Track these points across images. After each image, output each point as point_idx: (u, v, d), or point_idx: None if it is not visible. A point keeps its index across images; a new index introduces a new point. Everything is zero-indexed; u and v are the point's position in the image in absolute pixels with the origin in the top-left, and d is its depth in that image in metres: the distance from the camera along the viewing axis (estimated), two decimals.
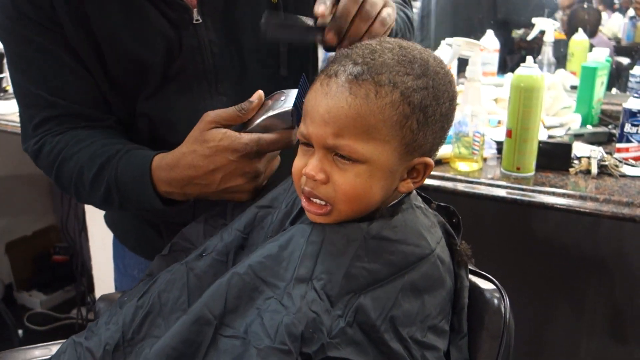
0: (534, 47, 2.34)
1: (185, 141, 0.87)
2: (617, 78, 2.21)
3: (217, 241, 0.85)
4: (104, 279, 2.32)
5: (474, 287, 0.84)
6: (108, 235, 1.25)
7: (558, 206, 1.30)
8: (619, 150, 1.48)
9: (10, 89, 2.33)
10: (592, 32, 2.30)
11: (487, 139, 1.53)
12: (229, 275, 0.74)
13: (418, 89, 0.71)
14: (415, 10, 2.66)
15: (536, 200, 1.33)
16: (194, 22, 0.92)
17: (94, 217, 2.25)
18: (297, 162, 0.77)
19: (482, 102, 1.51)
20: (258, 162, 0.86)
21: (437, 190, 1.40)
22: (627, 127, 1.47)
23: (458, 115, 1.37)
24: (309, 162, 0.74)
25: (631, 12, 2.37)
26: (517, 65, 1.39)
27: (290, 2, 0.98)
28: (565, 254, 1.83)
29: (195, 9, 0.92)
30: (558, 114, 1.78)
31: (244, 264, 0.74)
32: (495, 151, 1.54)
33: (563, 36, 2.35)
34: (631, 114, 1.46)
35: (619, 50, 2.37)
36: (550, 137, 1.63)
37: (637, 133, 1.46)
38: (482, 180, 1.40)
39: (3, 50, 0.96)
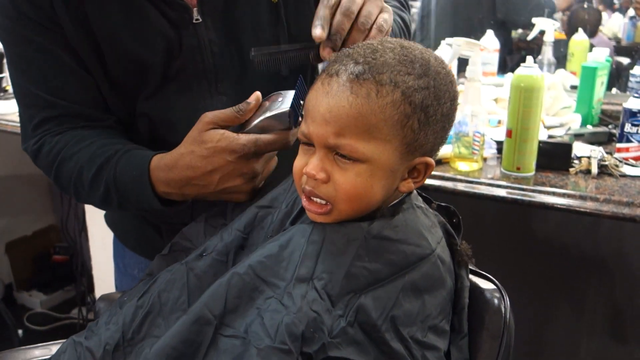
0: (534, 47, 2.34)
1: (184, 142, 0.87)
2: (617, 78, 2.21)
3: (217, 241, 0.85)
4: (104, 278, 2.32)
5: (474, 287, 0.84)
6: (108, 235, 1.25)
7: (558, 206, 1.30)
8: (619, 150, 1.48)
9: (10, 89, 2.32)
10: (592, 32, 2.31)
11: (487, 138, 1.53)
12: (229, 275, 0.74)
13: (419, 88, 0.71)
14: (415, 10, 2.67)
15: (536, 200, 1.33)
16: (194, 21, 0.92)
17: (94, 217, 2.25)
18: (298, 162, 0.77)
19: (482, 102, 1.51)
20: (256, 162, 0.86)
21: (437, 190, 1.40)
22: (627, 127, 1.47)
23: (458, 115, 1.36)
24: (310, 161, 0.74)
25: (631, 12, 2.37)
26: (517, 65, 1.39)
27: (291, 2, 0.98)
28: (565, 254, 1.83)
29: (195, 9, 0.92)
30: (558, 113, 1.78)
31: (244, 264, 0.74)
32: (495, 151, 1.54)
33: (563, 36, 2.35)
34: (631, 114, 1.46)
35: (619, 50, 2.38)
36: (550, 137, 1.63)
37: (637, 133, 1.46)
38: (482, 180, 1.40)
39: (3, 50, 0.96)
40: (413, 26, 2.67)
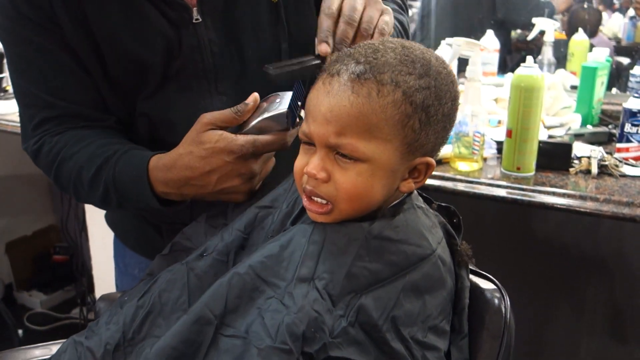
0: (534, 48, 2.34)
1: (182, 142, 0.87)
2: (617, 78, 2.21)
3: (217, 241, 0.85)
4: (104, 278, 2.32)
5: (475, 287, 0.84)
6: (108, 235, 1.25)
7: (558, 206, 1.30)
8: (619, 150, 1.48)
9: (10, 89, 2.32)
10: (592, 32, 2.31)
11: (487, 138, 1.53)
12: (229, 275, 0.74)
13: (420, 88, 0.71)
14: (415, 10, 2.67)
15: (536, 200, 1.33)
16: (194, 21, 0.92)
17: (94, 217, 2.25)
18: (299, 161, 0.77)
19: (482, 102, 1.51)
20: (254, 163, 0.86)
21: (437, 190, 1.40)
22: (627, 127, 1.47)
23: (458, 115, 1.35)
24: (311, 160, 0.74)
25: (631, 12, 2.37)
26: (517, 65, 1.39)
27: (291, 1, 0.98)
28: (565, 254, 1.83)
29: (195, 8, 0.92)
30: (558, 113, 1.78)
31: (245, 264, 0.74)
32: (495, 151, 1.54)
33: (563, 36, 2.35)
34: (631, 114, 1.46)
35: (619, 50, 2.38)
36: (550, 137, 1.64)
37: (637, 133, 1.46)
38: (482, 180, 1.40)
39: (3, 51, 0.96)
40: (413, 26, 2.67)
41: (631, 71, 1.97)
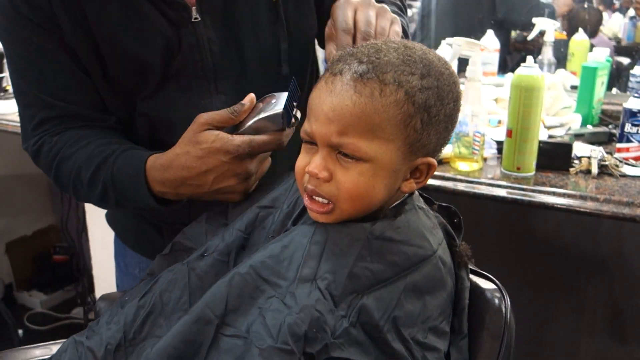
0: (534, 48, 2.34)
1: (179, 142, 0.88)
2: (618, 78, 2.21)
3: (218, 241, 0.85)
4: (104, 278, 2.32)
5: (475, 286, 0.84)
6: (108, 235, 1.25)
7: (558, 206, 1.30)
8: (619, 150, 1.48)
9: (10, 89, 2.32)
10: (592, 32, 2.31)
11: (488, 138, 1.53)
12: (230, 275, 0.74)
13: (423, 88, 0.72)
14: (415, 10, 2.67)
15: (536, 200, 1.33)
16: (193, 20, 0.92)
17: (94, 217, 2.25)
18: (300, 160, 0.77)
19: (482, 102, 1.51)
20: (250, 163, 0.87)
21: (438, 190, 1.40)
22: (628, 127, 1.47)
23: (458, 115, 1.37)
24: (312, 160, 0.74)
25: (631, 12, 2.37)
26: (518, 65, 1.39)
27: (290, 1, 0.98)
28: (565, 254, 1.83)
29: (194, 7, 0.92)
30: (558, 113, 1.78)
31: (246, 264, 0.74)
32: (495, 151, 1.54)
33: (563, 36, 2.35)
34: (631, 114, 1.46)
35: (619, 50, 2.38)
36: (550, 137, 1.63)
37: (637, 133, 1.46)
38: (483, 180, 1.40)
39: (3, 50, 0.96)
40: (413, 26, 2.68)
41: (631, 71, 1.96)
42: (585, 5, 2.45)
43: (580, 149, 1.53)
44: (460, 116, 1.40)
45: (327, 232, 0.74)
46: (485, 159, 1.51)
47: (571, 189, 1.33)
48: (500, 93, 1.88)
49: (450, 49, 1.72)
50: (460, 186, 1.40)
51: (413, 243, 0.75)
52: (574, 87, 1.93)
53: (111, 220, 1.21)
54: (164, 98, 0.95)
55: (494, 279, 0.86)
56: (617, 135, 1.51)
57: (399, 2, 1.10)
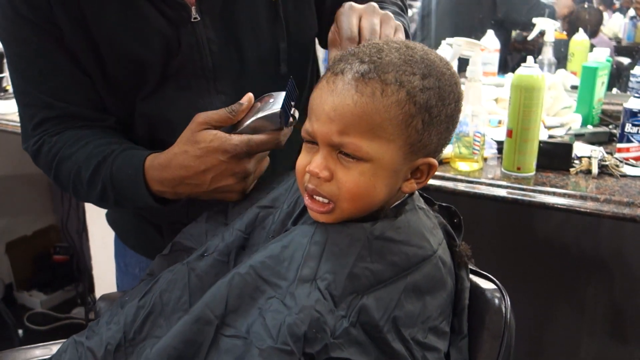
0: (534, 48, 2.34)
1: (177, 142, 0.88)
2: (618, 78, 2.21)
3: (218, 241, 0.85)
4: (104, 278, 2.32)
5: (475, 286, 0.84)
6: (108, 235, 1.25)
7: (558, 206, 1.30)
8: (620, 150, 1.48)
9: (10, 89, 2.32)
10: (592, 32, 2.30)
11: (488, 138, 1.53)
12: (230, 275, 0.74)
13: (424, 88, 0.72)
14: (415, 10, 2.67)
15: (537, 200, 1.33)
16: (192, 20, 0.92)
17: (94, 217, 2.25)
18: (301, 160, 0.77)
19: (482, 102, 1.51)
20: (247, 162, 0.87)
21: (438, 190, 1.40)
22: (628, 127, 1.47)
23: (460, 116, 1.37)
24: (313, 159, 0.74)
25: (632, 12, 2.37)
26: (518, 65, 1.39)
27: (290, 0, 0.98)
28: (565, 254, 1.83)
29: (193, 7, 0.92)
30: (558, 114, 1.78)
31: (246, 264, 0.74)
32: (495, 151, 1.54)
33: (564, 36, 2.35)
34: (632, 114, 1.46)
35: (619, 50, 2.37)
36: (550, 137, 1.63)
37: (637, 133, 1.46)
38: (483, 180, 1.40)
39: (3, 50, 0.96)
40: (413, 26, 2.68)
41: (631, 71, 1.96)
42: (586, 5, 2.45)
43: (580, 149, 1.53)
44: (461, 116, 1.40)
45: (327, 232, 0.73)
46: (485, 159, 1.51)
47: (571, 189, 1.33)
48: (500, 93, 1.88)
49: (450, 49, 1.73)
50: (461, 186, 1.39)
51: (413, 243, 0.75)
52: (574, 87, 1.92)
53: (111, 220, 1.21)
54: (164, 98, 0.95)
55: (494, 279, 0.86)
56: (618, 135, 1.51)
57: (399, 2, 1.10)
